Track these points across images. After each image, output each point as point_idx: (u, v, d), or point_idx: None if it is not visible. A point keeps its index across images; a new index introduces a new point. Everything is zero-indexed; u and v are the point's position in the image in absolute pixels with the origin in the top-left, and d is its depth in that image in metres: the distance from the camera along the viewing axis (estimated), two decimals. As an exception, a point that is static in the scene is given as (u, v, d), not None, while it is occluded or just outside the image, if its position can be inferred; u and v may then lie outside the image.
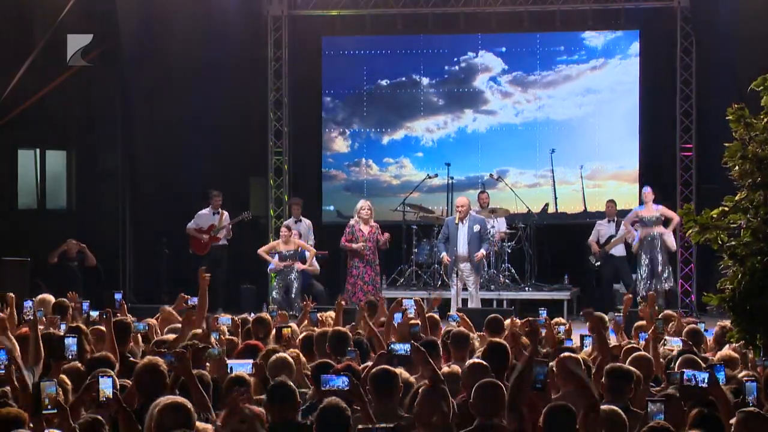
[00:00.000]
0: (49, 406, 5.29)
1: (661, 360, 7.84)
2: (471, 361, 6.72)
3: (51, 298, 10.18)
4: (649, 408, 5.73)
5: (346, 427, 5.35)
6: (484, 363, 6.56)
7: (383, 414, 5.96)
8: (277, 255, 15.17)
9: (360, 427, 5.27)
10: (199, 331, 8.09)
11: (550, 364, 6.21)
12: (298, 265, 15.16)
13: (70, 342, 6.93)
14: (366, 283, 13.92)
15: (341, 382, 5.95)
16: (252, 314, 11.52)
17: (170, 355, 6.49)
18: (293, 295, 14.98)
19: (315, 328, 9.16)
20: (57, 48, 15.65)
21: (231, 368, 6.83)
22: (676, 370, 6.72)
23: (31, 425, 5.29)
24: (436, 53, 17.55)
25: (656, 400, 5.80)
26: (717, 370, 6.31)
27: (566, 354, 6.67)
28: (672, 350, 7.92)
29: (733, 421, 5.49)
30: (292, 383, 6.10)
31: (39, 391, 5.32)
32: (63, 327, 8.51)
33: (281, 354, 7.10)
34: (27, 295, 10.56)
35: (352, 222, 14.17)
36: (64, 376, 6.49)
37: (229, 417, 5.63)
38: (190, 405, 5.35)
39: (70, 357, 6.87)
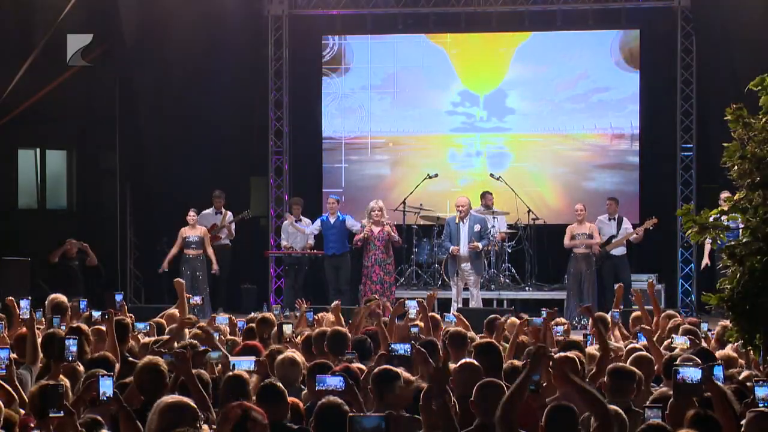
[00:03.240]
0: (55, 409, 5.25)
1: (666, 351, 7.82)
2: (462, 361, 6.71)
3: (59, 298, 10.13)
4: (647, 412, 5.74)
5: (343, 427, 5.34)
6: (475, 363, 6.55)
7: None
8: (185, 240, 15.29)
9: (351, 414, 5.24)
10: (200, 332, 8.08)
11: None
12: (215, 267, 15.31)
13: (70, 343, 6.92)
14: (374, 282, 13.94)
15: (337, 382, 5.94)
16: (253, 313, 11.54)
17: (169, 354, 6.50)
18: (199, 285, 15.07)
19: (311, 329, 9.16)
20: (57, 48, 15.65)
21: (233, 365, 6.83)
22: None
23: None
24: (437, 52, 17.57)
25: (653, 406, 5.81)
26: (715, 368, 6.31)
27: (561, 356, 6.66)
28: (677, 347, 7.92)
29: (743, 421, 5.48)
30: (282, 384, 6.07)
31: (45, 394, 5.27)
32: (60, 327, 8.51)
33: (289, 353, 7.09)
34: (27, 295, 10.53)
35: (363, 222, 14.24)
36: (63, 377, 6.49)
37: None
38: (193, 404, 5.34)
39: (70, 358, 6.86)
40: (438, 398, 5.38)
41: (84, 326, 8.03)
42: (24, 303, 8.62)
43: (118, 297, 10.12)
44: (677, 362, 6.37)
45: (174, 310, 10.12)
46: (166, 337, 8.28)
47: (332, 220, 15.34)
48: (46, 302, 9.93)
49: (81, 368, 6.84)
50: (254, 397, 6.03)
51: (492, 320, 9.34)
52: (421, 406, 5.55)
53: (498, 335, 8.75)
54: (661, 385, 7.00)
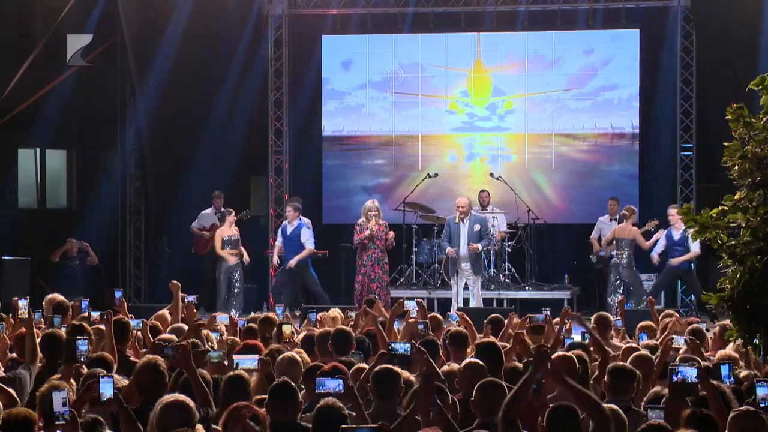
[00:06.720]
0: (62, 416, 5.22)
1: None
2: (467, 360, 6.71)
3: (58, 298, 10.11)
4: (648, 413, 5.73)
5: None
6: (480, 362, 6.56)
7: (383, 414, 5.96)
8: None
9: (343, 427, 5.23)
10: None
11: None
12: (246, 258, 15.26)
13: (81, 343, 6.89)
14: (372, 281, 13.93)
15: (336, 384, 5.92)
16: (253, 313, 11.54)
17: (169, 348, 6.50)
18: (236, 291, 14.98)
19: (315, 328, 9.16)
20: (57, 48, 15.65)
21: (236, 364, 6.81)
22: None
23: None
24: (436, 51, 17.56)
25: (655, 407, 5.81)
26: (721, 368, 6.32)
27: (558, 355, 6.66)
28: (678, 348, 7.92)
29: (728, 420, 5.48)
30: (293, 383, 6.07)
31: (51, 402, 5.23)
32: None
33: (289, 353, 7.08)
34: (27, 294, 10.54)
35: (360, 221, 14.26)
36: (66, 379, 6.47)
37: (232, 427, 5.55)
38: (192, 403, 5.35)
39: (81, 360, 6.83)
40: (429, 403, 5.40)
41: (86, 326, 8.03)
42: (22, 302, 8.61)
43: (118, 293, 10.09)
44: (674, 362, 6.38)
45: (164, 312, 10.07)
46: (171, 336, 8.25)
47: (290, 229, 14.98)
48: (44, 302, 9.93)
49: (82, 368, 6.83)
50: (266, 396, 6.01)
51: (493, 320, 9.35)
52: (417, 405, 5.57)
53: (503, 335, 8.76)
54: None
